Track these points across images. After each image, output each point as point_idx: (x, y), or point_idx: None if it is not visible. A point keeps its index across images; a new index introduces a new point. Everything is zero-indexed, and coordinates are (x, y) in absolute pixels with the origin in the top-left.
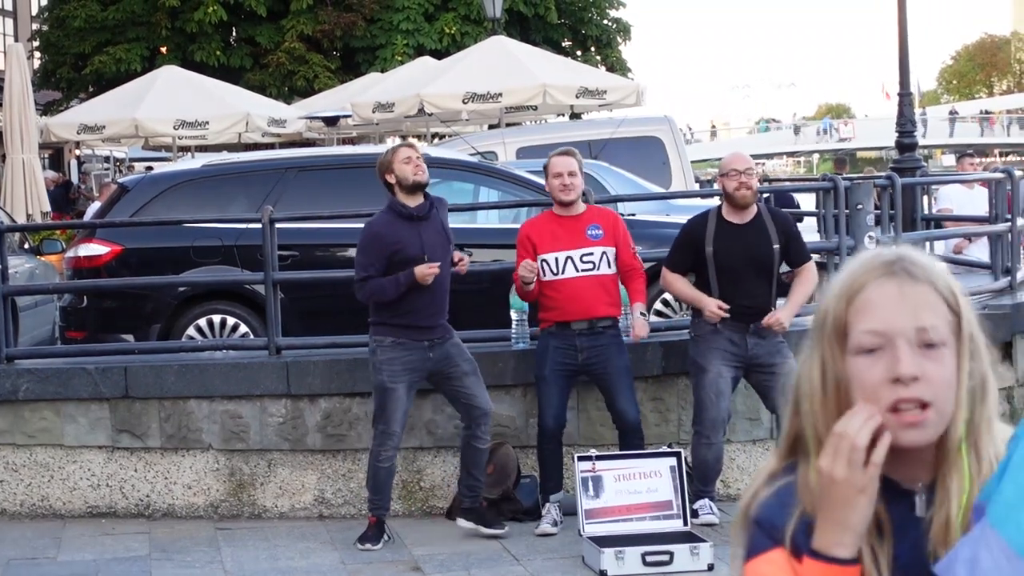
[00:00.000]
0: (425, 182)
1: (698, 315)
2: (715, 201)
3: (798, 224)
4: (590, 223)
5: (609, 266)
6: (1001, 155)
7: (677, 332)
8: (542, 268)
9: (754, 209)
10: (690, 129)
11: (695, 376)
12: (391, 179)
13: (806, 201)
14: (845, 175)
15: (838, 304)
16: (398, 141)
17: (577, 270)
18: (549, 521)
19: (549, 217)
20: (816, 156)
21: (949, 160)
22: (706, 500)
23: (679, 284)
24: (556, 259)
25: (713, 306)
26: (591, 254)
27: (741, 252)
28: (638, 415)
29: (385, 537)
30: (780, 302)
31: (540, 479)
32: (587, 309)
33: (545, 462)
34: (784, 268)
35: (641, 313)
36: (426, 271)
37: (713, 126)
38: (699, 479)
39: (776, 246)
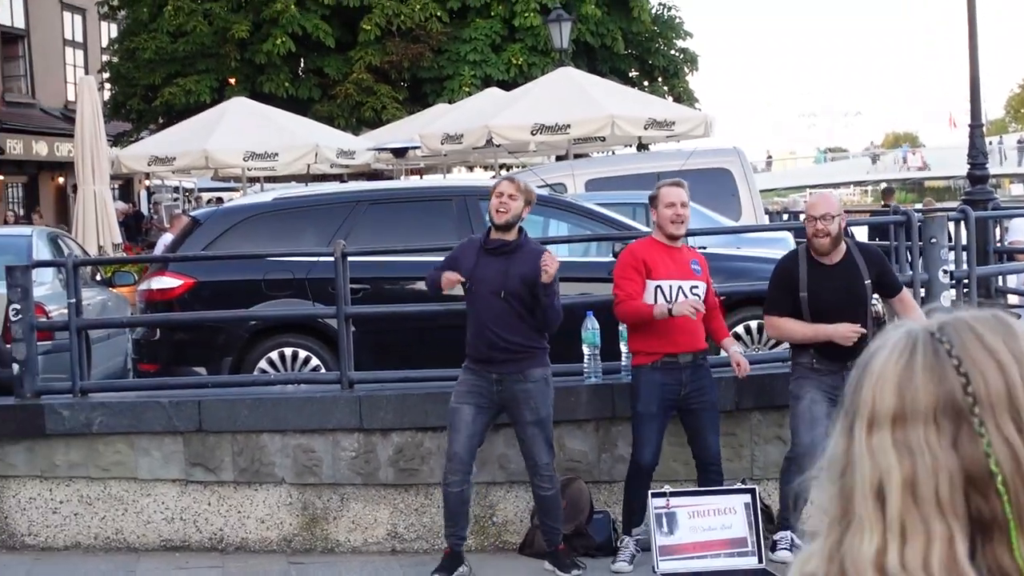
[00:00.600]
0: (503, 224)
1: (796, 352)
2: (785, 235)
3: None
4: (691, 258)
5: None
6: None
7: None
8: (655, 295)
9: (843, 247)
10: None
11: (792, 406)
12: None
13: (859, 234)
14: (893, 204)
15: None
16: (464, 172)
17: None
18: (626, 557)
19: (656, 244)
20: (883, 185)
21: (1018, 189)
22: (788, 532)
23: (793, 326)
24: (671, 287)
25: (846, 330)
26: (697, 287)
27: (835, 293)
28: (720, 450)
29: (463, 569)
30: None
31: (625, 514)
32: (693, 341)
33: (633, 498)
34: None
35: (737, 349)
36: (449, 277)
37: (769, 156)
38: (784, 507)
39: (868, 281)
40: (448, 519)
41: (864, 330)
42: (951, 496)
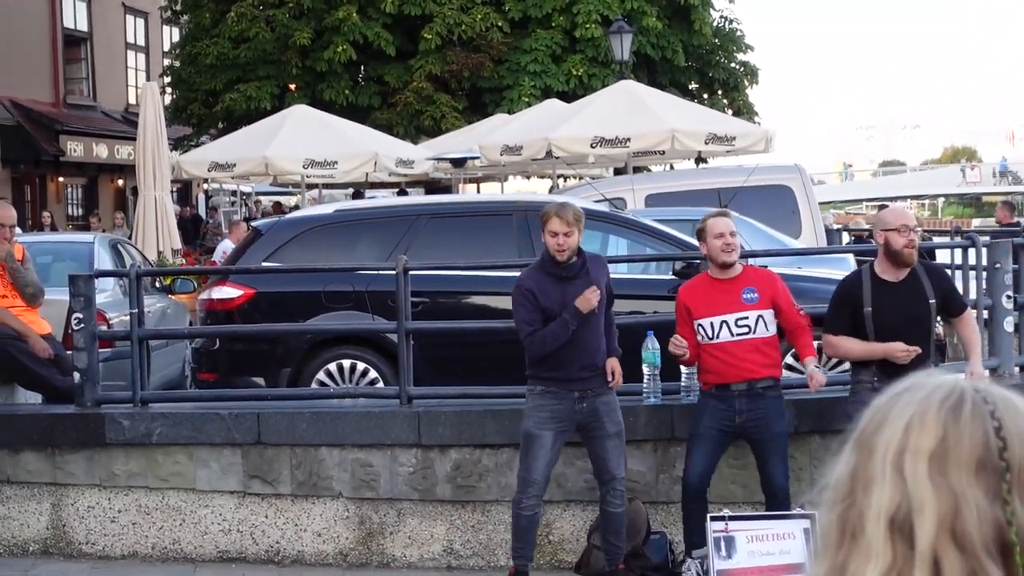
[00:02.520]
0: (563, 260)
1: (856, 371)
2: (848, 257)
3: None
4: (746, 286)
5: (767, 328)
6: None
7: (807, 391)
8: (699, 332)
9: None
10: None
11: (849, 432)
12: (544, 238)
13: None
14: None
15: None
16: (522, 180)
17: (732, 334)
18: None
19: (705, 281)
20: (941, 200)
21: None
22: None
23: (849, 344)
24: (712, 324)
25: (901, 348)
26: (746, 318)
27: (899, 311)
28: (787, 481)
29: None
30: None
31: (685, 535)
32: (743, 371)
33: (688, 518)
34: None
35: (816, 367)
36: (588, 296)
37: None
38: None
39: (932, 301)
40: (518, 540)
41: (919, 349)
42: (995, 547)
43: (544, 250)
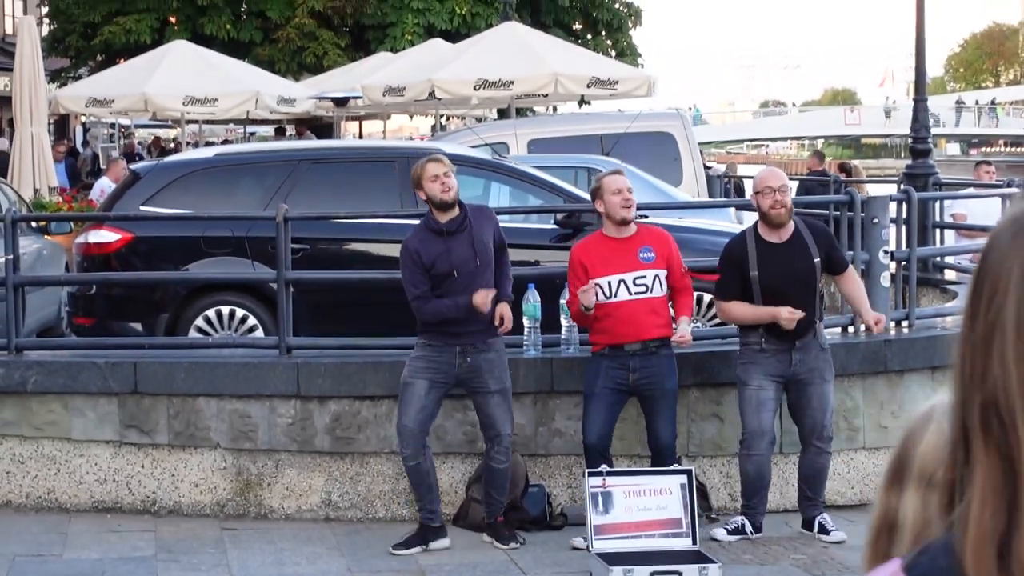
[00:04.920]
0: (452, 200)
1: (744, 332)
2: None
3: None
4: (642, 245)
5: (661, 288)
6: (1007, 145)
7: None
8: (595, 293)
9: (791, 225)
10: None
11: (740, 391)
12: (422, 195)
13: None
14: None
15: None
16: (403, 119)
17: (631, 293)
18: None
19: (600, 239)
20: (821, 141)
21: (953, 149)
22: (741, 517)
23: (741, 309)
24: (609, 283)
25: (786, 313)
26: (644, 277)
27: (785, 272)
28: (674, 438)
29: (443, 543)
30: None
31: None
32: (640, 331)
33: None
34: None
35: (687, 327)
36: (480, 300)
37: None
38: (741, 492)
39: (817, 259)
40: (416, 493)
41: (803, 313)
42: None
43: (428, 211)
